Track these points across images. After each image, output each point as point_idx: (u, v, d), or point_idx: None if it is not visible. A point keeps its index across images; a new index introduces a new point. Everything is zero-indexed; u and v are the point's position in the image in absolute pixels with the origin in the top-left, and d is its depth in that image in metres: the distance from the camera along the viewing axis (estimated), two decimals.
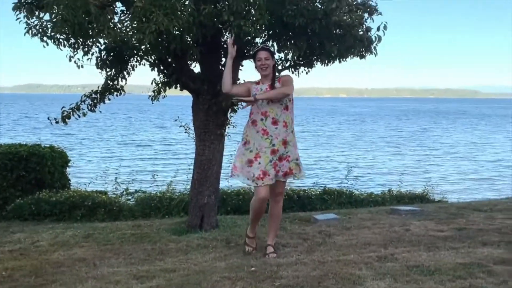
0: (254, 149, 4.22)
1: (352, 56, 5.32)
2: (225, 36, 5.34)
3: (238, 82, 5.48)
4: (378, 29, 5.04)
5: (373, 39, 5.13)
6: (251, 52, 4.59)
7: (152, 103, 5.61)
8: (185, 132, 7.74)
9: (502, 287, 3.30)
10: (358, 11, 5.02)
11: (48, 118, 5.62)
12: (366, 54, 5.32)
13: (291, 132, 4.30)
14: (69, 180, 9.32)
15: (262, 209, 4.38)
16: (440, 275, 3.58)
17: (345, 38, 4.97)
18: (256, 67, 4.35)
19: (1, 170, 8.08)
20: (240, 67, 5.53)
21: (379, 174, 18.97)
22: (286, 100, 4.26)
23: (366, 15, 5.07)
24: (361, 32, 5.03)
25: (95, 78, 6.17)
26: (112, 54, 5.39)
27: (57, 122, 5.56)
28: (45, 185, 8.39)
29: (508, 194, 12.37)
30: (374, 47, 5.24)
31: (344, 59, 5.39)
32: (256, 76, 4.45)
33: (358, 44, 5.08)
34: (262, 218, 4.65)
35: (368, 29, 5.11)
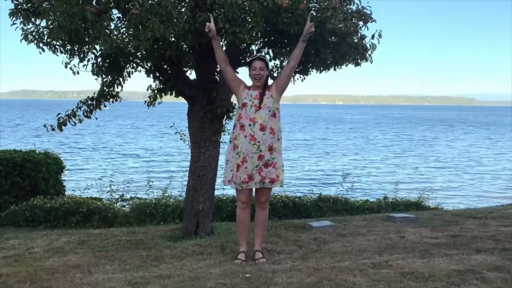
0: (241, 154, 4.28)
1: (347, 63, 5.36)
2: (220, 43, 5.38)
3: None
4: (372, 37, 5.09)
5: (368, 46, 5.17)
6: (247, 60, 4.63)
7: (148, 108, 5.63)
8: (180, 139, 7.74)
9: None
10: (353, 19, 5.06)
11: (45, 125, 5.62)
12: (361, 62, 5.35)
13: (277, 140, 4.36)
14: (64, 186, 9.30)
15: (246, 218, 4.45)
16: (434, 281, 3.59)
17: (340, 45, 5.00)
18: (250, 75, 4.42)
19: None
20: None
21: (374, 181, 19.01)
22: (274, 107, 4.35)
23: (361, 23, 5.11)
24: (356, 40, 5.06)
25: (90, 84, 6.17)
26: (108, 60, 5.40)
27: (53, 129, 5.56)
28: (40, 192, 8.37)
29: (503, 202, 12.42)
30: (369, 55, 5.28)
31: (339, 67, 5.43)
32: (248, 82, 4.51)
33: (353, 51, 5.12)
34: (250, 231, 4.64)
35: (363, 37, 5.15)
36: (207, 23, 4.30)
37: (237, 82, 4.48)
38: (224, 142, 5.98)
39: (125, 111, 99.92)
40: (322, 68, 5.43)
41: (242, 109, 4.34)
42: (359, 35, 5.10)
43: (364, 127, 61.88)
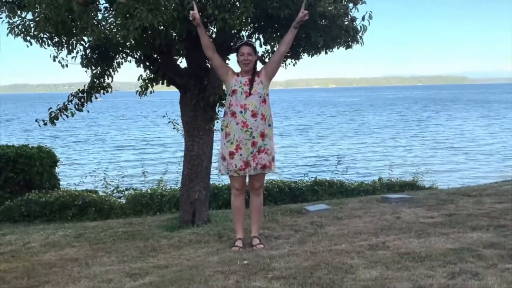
0: (235, 141, 4.27)
1: (338, 46, 5.34)
2: (210, 30, 5.33)
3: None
4: (363, 18, 5.06)
5: (359, 28, 5.15)
6: (235, 46, 4.58)
7: (140, 98, 5.59)
8: (173, 128, 7.72)
9: (492, 270, 3.35)
10: (343, 1, 5.03)
11: (36, 120, 5.57)
12: (353, 44, 5.34)
13: (268, 126, 4.35)
14: (59, 180, 9.27)
15: (241, 205, 4.46)
16: (431, 261, 3.61)
17: (331, 28, 4.97)
18: (238, 61, 4.37)
19: None
20: (227, 61, 5.51)
21: (369, 163, 19.09)
22: (264, 93, 4.32)
23: (350, 5, 5.08)
24: (347, 22, 5.04)
25: (81, 76, 6.10)
26: (96, 52, 5.34)
27: (45, 124, 5.51)
28: (34, 186, 8.35)
29: (497, 179, 12.52)
30: (360, 37, 5.26)
31: (330, 50, 5.40)
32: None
33: (344, 34, 5.09)
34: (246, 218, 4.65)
35: (353, 19, 5.12)
36: (191, 11, 4.24)
37: (225, 69, 4.44)
38: (218, 130, 5.97)
39: (117, 101, 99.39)
40: (313, 52, 5.40)
41: (232, 96, 4.31)
42: (349, 17, 5.08)
43: (357, 110, 61.94)
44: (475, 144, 25.17)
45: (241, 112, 4.26)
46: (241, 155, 4.26)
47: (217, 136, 5.83)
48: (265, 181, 4.78)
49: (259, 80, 4.34)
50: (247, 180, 4.45)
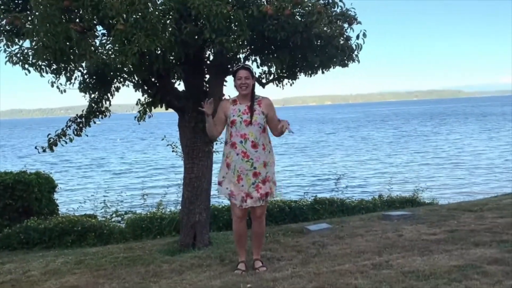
0: (235, 172, 4.23)
1: (334, 65, 5.38)
2: (207, 53, 5.37)
3: (223, 97, 5.49)
4: (357, 37, 5.12)
5: (354, 47, 5.20)
6: (232, 70, 4.59)
7: (139, 123, 5.58)
8: (172, 151, 7.70)
9: (497, 287, 3.32)
10: (338, 21, 5.08)
11: (36, 147, 5.57)
12: (349, 62, 5.38)
13: (269, 153, 4.32)
14: (57, 205, 9.20)
15: (243, 230, 4.41)
16: (436, 279, 3.59)
17: (327, 48, 5.02)
18: (235, 86, 4.33)
19: None
20: (225, 83, 5.54)
21: (369, 180, 19.05)
22: (264, 122, 4.28)
23: (346, 25, 5.13)
24: (342, 42, 5.09)
25: (78, 99, 6.12)
26: (95, 77, 5.37)
27: (44, 150, 5.51)
28: (33, 212, 8.28)
29: (497, 192, 12.51)
30: (356, 55, 5.30)
31: (327, 69, 5.44)
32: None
33: (340, 53, 5.14)
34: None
35: (348, 38, 5.17)
36: (204, 106, 4.19)
37: (223, 118, 4.31)
38: (217, 152, 5.96)
39: (114, 124, 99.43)
40: (310, 72, 5.44)
41: (232, 126, 4.25)
42: (344, 37, 5.13)
43: (355, 126, 62.07)
44: (474, 158, 25.16)
45: (241, 142, 4.21)
46: (242, 186, 4.21)
47: (216, 158, 5.83)
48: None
49: (260, 110, 4.27)
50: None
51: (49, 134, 5.54)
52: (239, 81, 4.27)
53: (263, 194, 4.23)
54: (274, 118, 4.33)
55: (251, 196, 4.21)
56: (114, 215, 9.03)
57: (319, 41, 4.95)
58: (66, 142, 5.54)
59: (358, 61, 5.39)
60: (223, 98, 5.23)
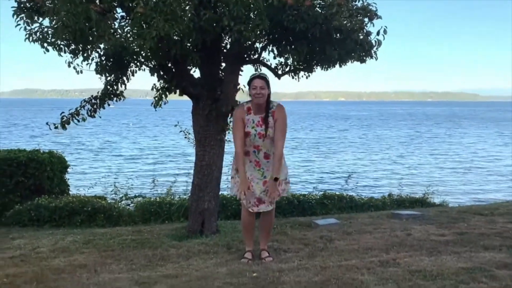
0: (248, 178, 4.28)
1: (352, 60, 5.33)
2: (225, 41, 5.35)
3: (238, 87, 5.48)
4: (378, 33, 5.06)
5: (373, 43, 5.14)
6: (248, 59, 4.58)
7: (155, 110, 5.58)
8: (185, 138, 7.72)
9: None
10: (359, 15, 5.03)
11: (47, 123, 5.60)
12: (367, 58, 5.32)
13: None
14: (68, 185, 9.28)
15: (251, 221, 4.45)
16: (443, 280, 3.57)
17: (346, 42, 4.97)
18: (250, 94, 4.34)
19: (0, 176, 8.05)
20: (240, 73, 5.54)
21: (379, 178, 18.95)
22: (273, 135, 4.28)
23: (366, 19, 5.08)
24: (361, 37, 5.04)
25: (93, 82, 6.15)
26: (112, 59, 5.38)
27: (56, 127, 5.54)
28: (44, 191, 8.36)
29: (508, 198, 12.37)
30: (374, 52, 5.24)
31: (344, 64, 5.40)
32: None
33: (359, 48, 5.09)
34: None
35: (368, 34, 5.12)
36: (241, 195, 4.26)
37: (242, 130, 4.28)
38: (228, 141, 5.97)
39: (128, 109, 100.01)
40: (327, 65, 5.41)
41: (246, 138, 4.28)
42: (364, 32, 5.07)
43: (369, 124, 61.70)
44: (488, 162, 24.87)
45: (254, 152, 4.31)
46: (253, 192, 4.28)
47: (228, 146, 5.84)
48: None
49: (272, 123, 4.28)
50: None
51: (62, 113, 5.57)
52: (254, 90, 4.26)
53: (271, 200, 4.30)
54: (278, 128, 4.25)
55: (263, 201, 4.28)
56: (123, 198, 9.09)
57: (338, 34, 4.91)
58: (78, 121, 5.57)
59: (376, 58, 5.33)
60: (237, 102, 5.22)
